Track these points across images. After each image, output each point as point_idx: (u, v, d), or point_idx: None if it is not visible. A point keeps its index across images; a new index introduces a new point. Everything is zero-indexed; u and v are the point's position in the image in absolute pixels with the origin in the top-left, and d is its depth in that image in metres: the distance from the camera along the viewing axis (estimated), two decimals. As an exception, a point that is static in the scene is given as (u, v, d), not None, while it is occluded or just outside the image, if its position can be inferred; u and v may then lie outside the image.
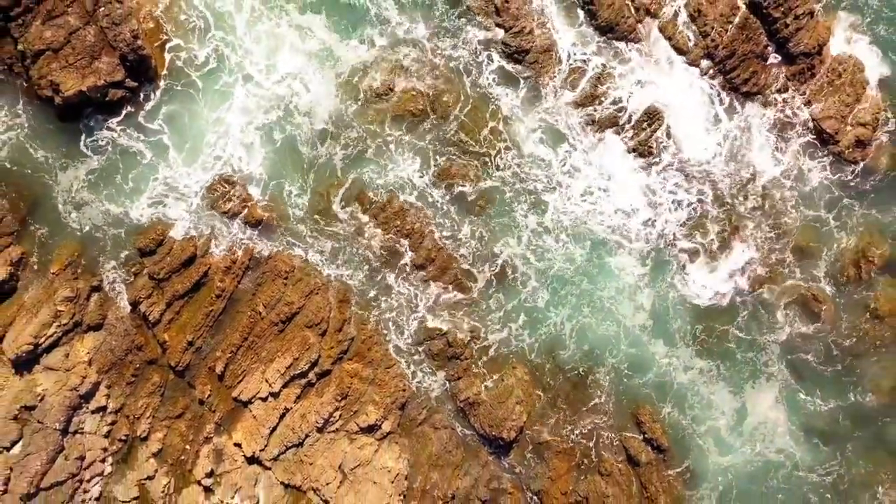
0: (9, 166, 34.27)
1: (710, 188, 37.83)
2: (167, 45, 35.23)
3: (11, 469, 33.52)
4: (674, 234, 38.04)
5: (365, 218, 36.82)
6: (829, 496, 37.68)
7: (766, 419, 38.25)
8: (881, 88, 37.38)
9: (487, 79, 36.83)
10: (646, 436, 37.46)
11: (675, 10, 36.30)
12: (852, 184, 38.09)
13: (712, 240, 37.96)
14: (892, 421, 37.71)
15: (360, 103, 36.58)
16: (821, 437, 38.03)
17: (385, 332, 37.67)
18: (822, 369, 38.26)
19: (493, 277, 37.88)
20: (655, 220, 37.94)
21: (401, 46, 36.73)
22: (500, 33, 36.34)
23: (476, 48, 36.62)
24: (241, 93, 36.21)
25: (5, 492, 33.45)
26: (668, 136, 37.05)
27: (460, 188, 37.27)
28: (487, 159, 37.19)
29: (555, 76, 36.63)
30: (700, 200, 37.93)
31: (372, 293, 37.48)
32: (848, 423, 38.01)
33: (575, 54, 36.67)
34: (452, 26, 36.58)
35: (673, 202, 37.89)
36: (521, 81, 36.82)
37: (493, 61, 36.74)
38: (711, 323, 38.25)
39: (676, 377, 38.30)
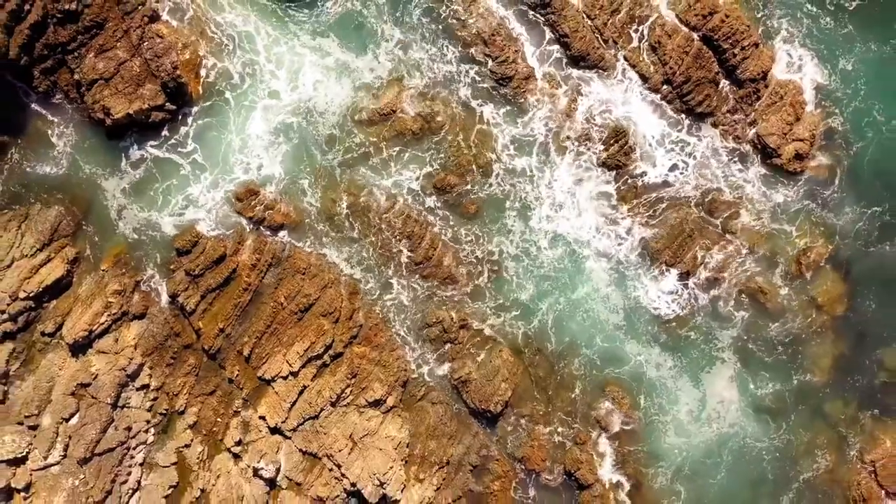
0: (66, 178, 37.09)
1: (671, 199, 39.77)
2: (202, 68, 37.95)
3: (70, 437, 35.90)
4: (637, 242, 40.06)
5: (373, 219, 39.13)
6: (778, 454, 40.42)
7: (722, 398, 40.73)
8: (818, 94, 39.10)
9: (476, 101, 39.17)
10: (614, 410, 39.97)
11: (639, 42, 38.67)
12: (808, 190, 39.86)
13: (672, 246, 39.83)
14: (828, 395, 40.57)
15: (367, 121, 38.94)
16: (769, 412, 40.67)
17: (389, 320, 39.71)
18: (770, 354, 40.69)
19: (484, 273, 40.13)
20: (620, 230, 39.86)
21: (403, 67, 38.92)
22: (486, 60, 38.75)
23: (466, 73, 38.94)
24: (266, 107, 38.58)
25: (65, 456, 35.83)
26: (633, 152, 39.11)
27: (454, 195, 39.56)
28: (478, 171, 39.46)
29: (533, 99, 39.00)
30: (661, 211, 39.85)
31: (378, 287, 39.60)
32: (792, 399, 40.63)
33: (551, 79, 38.88)
34: (443, 49, 38.88)
35: (636, 214, 39.89)
36: (505, 104, 39.18)
37: (479, 85, 39.02)
38: (672, 323, 40.39)
39: (647, 372, 40.57)
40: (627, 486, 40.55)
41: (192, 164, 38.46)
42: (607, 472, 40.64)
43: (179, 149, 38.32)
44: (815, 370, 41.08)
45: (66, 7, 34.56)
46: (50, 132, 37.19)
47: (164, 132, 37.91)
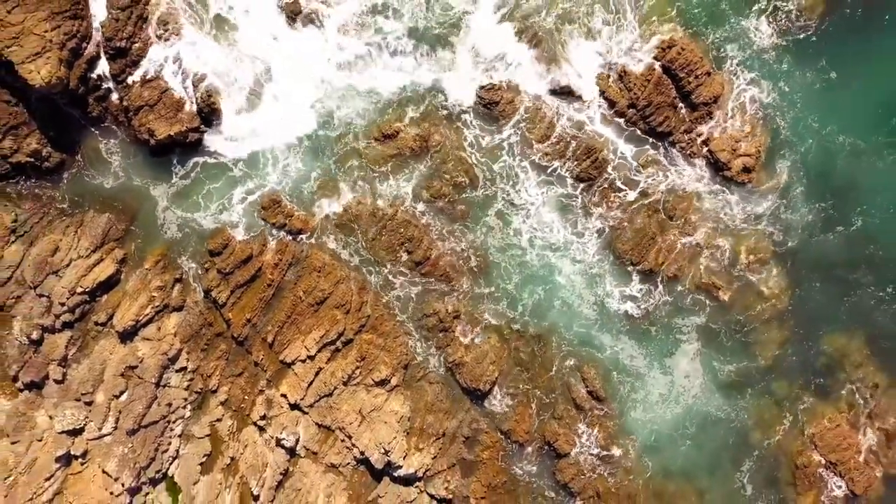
0: (117, 188, 41.21)
1: (638, 206, 43.18)
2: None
3: (120, 412, 40.07)
4: (605, 244, 43.64)
5: (378, 224, 42.24)
6: (736, 428, 44.16)
7: (688, 373, 44.44)
8: (762, 111, 42.58)
9: (466, 121, 42.82)
10: (588, 388, 43.72)
11: (608, 71, 42.83)
12: (764, 191, 43.26)
13: (637, 247, 43.38)
14: (777, 375, 44.69)
15: (373, 138, 42.43)
16: (731, 388, 44.43)
17: (393, 311, 42.98)
18: (726, 340, 44.61)
19: (473, 267, 43.50)
20: (589, 234, 43.44)
21: (406, 91, 42.26)
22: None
23: (455, 98, 42.35)
24: (290, 114, 41.66)
25: (116, 428, 39.90)
26: (604, 166, 42.69)
27: (447, 201, 42.78)
28: (466, 180, 42.92)
29: (516, 120, 42.45)
30: (628, 215, 43.35)
31: (383, 283, 42.88)
32: (746, 378, 44.62)
33: (531, 103, 42.46)
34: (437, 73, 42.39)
35: (605, 219, 43.50)
36: (489, 122, 42.58)
37: (468, 110, 42.51)
38: (640, 317, 44.09)
39: (620, 356, 44.33)
40: (602, 454, 44.46)
41: (223, 176, 42.48)
42: (583, 442, 44.36)
43: (215, 161, 42.25)
44: (765, 352, 44.89)
45: (118, 45, 39.71)
46: (102, 150, 41.63)
47: (202, 149, 41.91)
